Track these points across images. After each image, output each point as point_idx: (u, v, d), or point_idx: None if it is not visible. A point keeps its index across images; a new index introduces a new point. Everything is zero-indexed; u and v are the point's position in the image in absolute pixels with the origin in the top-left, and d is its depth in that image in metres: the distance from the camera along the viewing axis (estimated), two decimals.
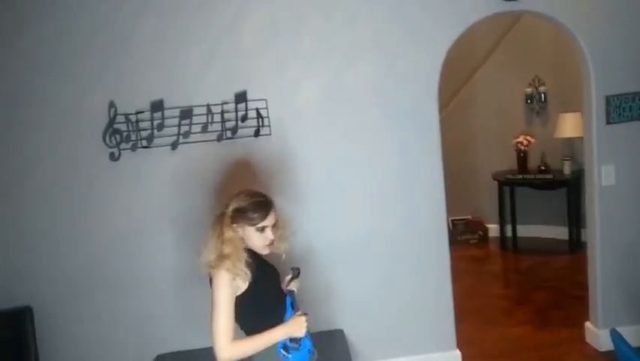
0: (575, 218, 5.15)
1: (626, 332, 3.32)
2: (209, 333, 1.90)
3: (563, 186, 5.13)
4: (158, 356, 3.13)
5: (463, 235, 5.81)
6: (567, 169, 5.08)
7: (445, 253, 3.25)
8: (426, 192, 3.19)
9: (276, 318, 2.02)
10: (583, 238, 5.06)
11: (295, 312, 2.03)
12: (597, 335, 3.40)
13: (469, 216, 5.95)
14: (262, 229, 1.96)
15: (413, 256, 3.22)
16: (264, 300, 2.01)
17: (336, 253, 3.17)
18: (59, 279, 3.07)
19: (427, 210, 3.21)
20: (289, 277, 2.15)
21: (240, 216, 1.95)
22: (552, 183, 5.15)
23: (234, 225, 1.97)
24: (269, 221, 1.97)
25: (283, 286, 2.14)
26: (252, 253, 2.00)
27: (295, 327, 1.96)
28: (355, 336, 3.21)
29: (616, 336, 1.78)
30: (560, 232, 5.31)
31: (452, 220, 5.71)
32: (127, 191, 3.07)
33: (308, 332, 2.02)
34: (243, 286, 1.94)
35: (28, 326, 2.94)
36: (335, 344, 3.06)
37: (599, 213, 3.27)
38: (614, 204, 3.26)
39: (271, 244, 2.01)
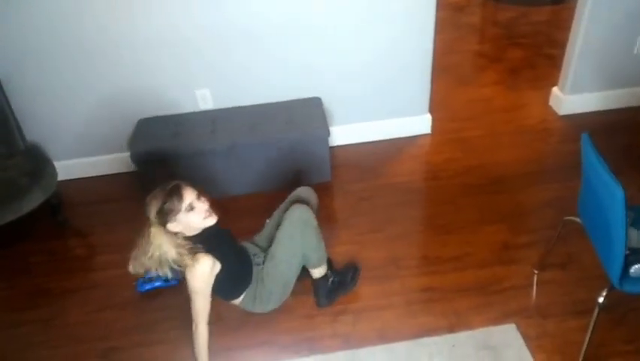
0: None
1: (589, 98, 3.53)
2: None
3: None
4: (139, 120, 3.19)
5: None
6: None
7: (431, 15, 3.06)
8: None
9: (247, 273, 2.25)
10: None
11: None
12: (560, 100, 3.57)
13: None
14: (190, 208, 1.95)
15: (397, 20, 3.04)
16: (235, 267, 2.16)
17: (316, 21, 2.98)
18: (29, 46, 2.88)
19: None
20: None
21: (164, 214, 1.92)
22: None
23: (168, 225, 1.95)
24: (189, 197, 1.95)
25: None
26: (200, 235, 2.04)
27: None
28: (332, 103, 3.29)
29: (586, 140, 1.89)
30: None
31: None
32: None
33: None
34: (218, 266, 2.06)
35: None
36: (312, 111, 3.15)
37: None
38: None
39: (210, 212, 2.01)
